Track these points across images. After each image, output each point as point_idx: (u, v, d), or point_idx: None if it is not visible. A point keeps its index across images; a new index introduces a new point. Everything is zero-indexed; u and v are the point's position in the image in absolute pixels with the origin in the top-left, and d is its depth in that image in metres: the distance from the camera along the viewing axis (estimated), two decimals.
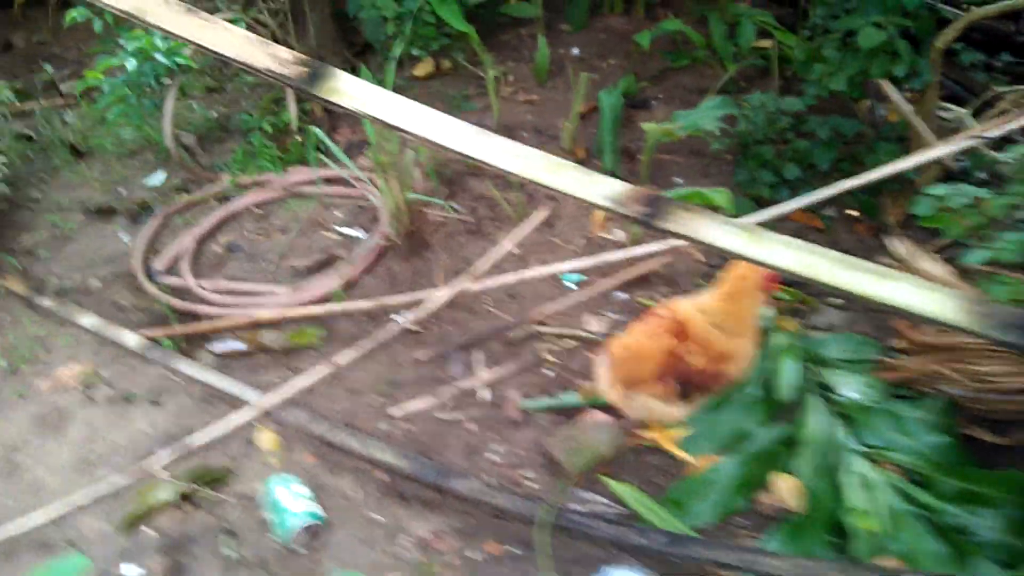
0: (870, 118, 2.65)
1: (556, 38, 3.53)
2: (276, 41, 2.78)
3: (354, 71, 3.00)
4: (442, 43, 3.19)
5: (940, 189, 1.61)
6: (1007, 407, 1.65)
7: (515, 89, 3.29)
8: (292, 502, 1.69)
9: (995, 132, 1.77)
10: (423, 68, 3.39)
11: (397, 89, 3.13)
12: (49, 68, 3.55)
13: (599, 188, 1.08)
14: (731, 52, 3.10)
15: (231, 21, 2.65)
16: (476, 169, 2.82)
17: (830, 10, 2.32)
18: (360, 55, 3.39)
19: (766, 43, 3.04)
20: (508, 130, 3.03)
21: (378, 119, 1.14)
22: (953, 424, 1.72)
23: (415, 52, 3.18)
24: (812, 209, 2.42)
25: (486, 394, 2.02)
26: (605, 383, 1.78)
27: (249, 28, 2.80)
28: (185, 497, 1.77)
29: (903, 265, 1.70)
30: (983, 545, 1.54)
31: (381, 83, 3.12)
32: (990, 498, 1.55)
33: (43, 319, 2.34)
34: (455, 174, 2.77)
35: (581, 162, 2.78)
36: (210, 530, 1.72)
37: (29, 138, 3.15)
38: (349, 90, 1.09)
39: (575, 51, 3.45)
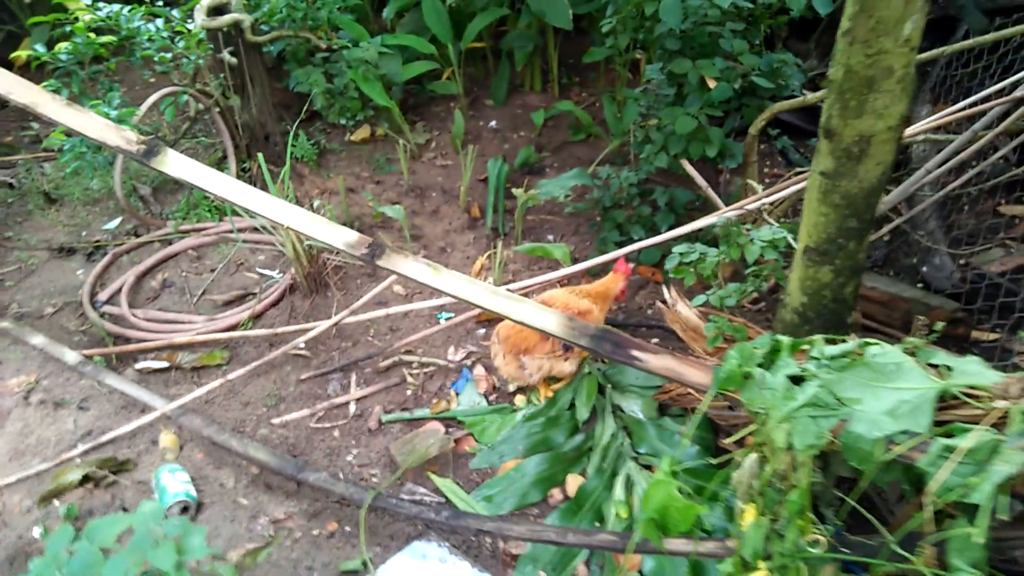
0: (725, 186, 3.12)
1: (479, 111, 4.04)
2: (220, 110, 3.30)
3: (288, 135, 3.50)
4: (367, 114, 3.70)
5: (682, 247, 2.04)
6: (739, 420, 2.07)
7: (435, 155, 3.79)
8: (173, 485, 2.10)
9: (752, 203, 2.22)
10: (359, 134, 3.89)
11: (330, 152, 3.65)
12: (35, 125, 4.08)
13: (340, 235, 1.53)
14: (620, 129, 3.60)
15: (178, 93, 3.16)
16: (384, 221, 3.29)
17: (655, 100, 2.81)
18: (306, 121, 3.89)
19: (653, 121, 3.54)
20: (420, 190, 3.52)
21: (193, 184, 1.60)
22: (707, 435, 2.13)
23: (344, 121, 3.68)
24: (656, 264, 2.88)
25: (353, 408, 2.45)
26: (500, 360, 2.33)
27: (194, 98, 3.30)
28: (91, 480, 2.18)
29: (669, 308, 2.13)
30: (714, 531, 1.94)
31: (316, 146, 3.63)
32: (716, 493, 1.96)
33: (1, 338, 2.79)
34: (364, 226, 3.24)
35: (473, 219, 3.27)
36: (107, 505, 2.13)
37: (10, 186, 3.65)
38: (174, 163, 1.55)
39: (493, 123, 3.96)
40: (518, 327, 2.14)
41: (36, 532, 2.06)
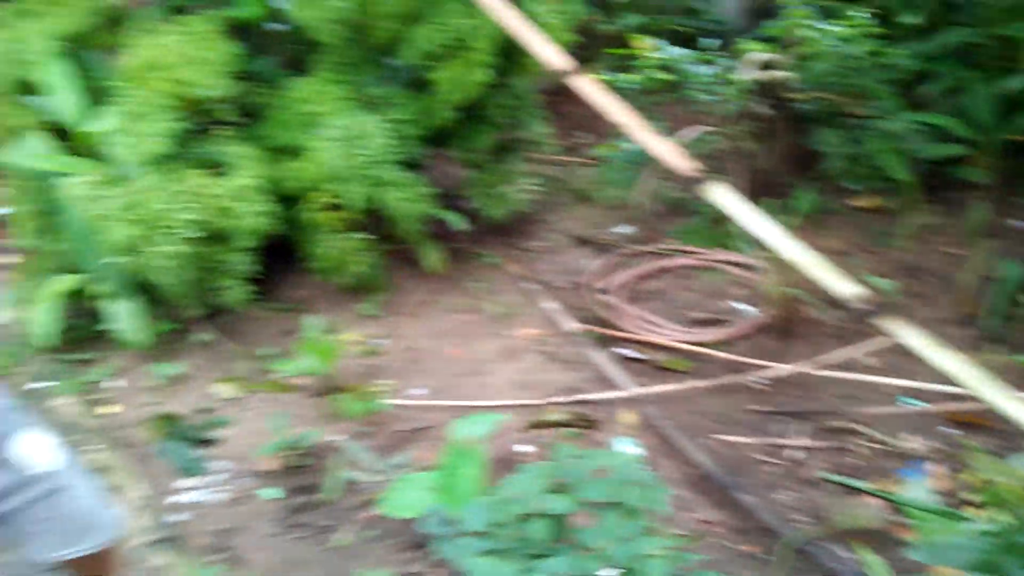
0: None
1: (1004, 207, 3.73)
2: (743, 153, 3.62)
3: (794, 188, 3.69)
4: (877, 184, 3.68)
5: None
6: None
7: (942, 240, 3.61)
8: (627, 449, 2.46)
9: None
10: (865, 201, 3.89)
11: (830, 212, 3.73)
12: (585, 136, 4.92)
13: (844, 284, 1.63)
14: None
15: (709, 133, 3.56)
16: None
17: None
18: (814, 179, 4.02)
19: None
20: (915, 271, 3.42)
21: (729, 213, 1.85)
22: None
23: (852, 185, 3.73)
24: None
25: (794, 454, 2.54)
26: None
27: (723, 140, 3.68)
28: (566, 424, 2.66)
29: None
30: None
31: (819, 204, 3.75)
32: None
33: (524, 296, 3.49)
34: None
35: (968, 315, 3.07)
36: (566, 443, 2.56)
37: (554, 180, 4.49)
38: (718, 193, 1.81)
39: (1019, 224, 3.62)
40: None
41: (519, 448, 2.60)
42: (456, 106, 3.28)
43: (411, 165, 3.35)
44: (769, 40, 3.82)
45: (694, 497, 2.40)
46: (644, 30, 5.17)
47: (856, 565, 2.12)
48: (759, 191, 3.73)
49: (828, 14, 3.69)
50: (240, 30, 3.44)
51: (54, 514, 1.60)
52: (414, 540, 2.30)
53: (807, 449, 2.55)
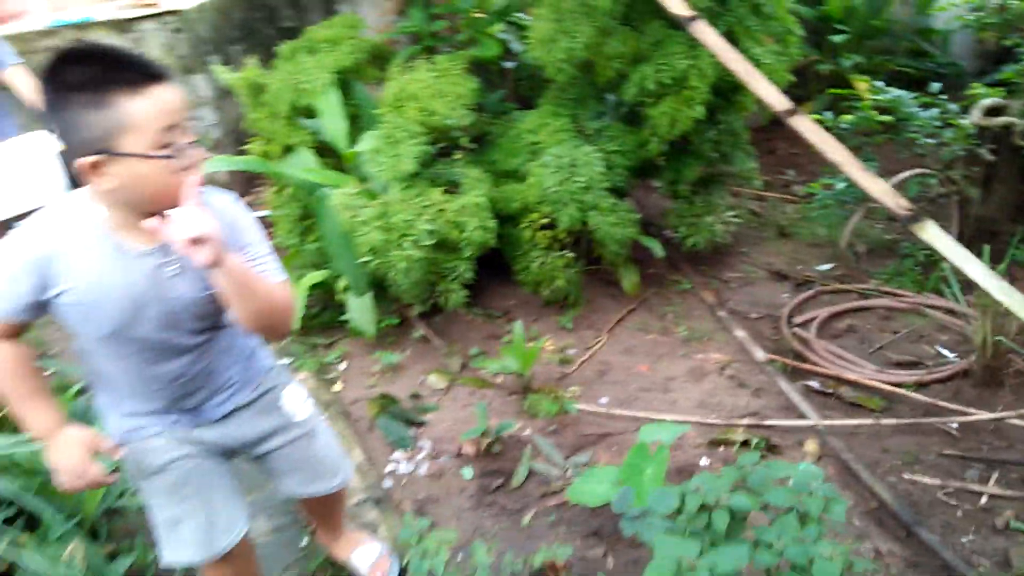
0: None
1: None
2: (960, 198, 3.56)
3: (1015, 237, 3.54)
4: None
5: None
6: None
7: None
8: None
9: None
10: None
11: None
12: (791, 172, 4.96)
13: None
14: None
15: (927, 175, 3.52)
16: None
17: None
18: None
19: None
20: None
21: (942, 254, 1.93)
22: None
23: None
24: None
25: (984, 500, 2.50)
26: None
27: (940, 183, 3.61)
28: (747, 445, 2.78)
29: None
30: None
31: None
32: None
33: (715, 323, 3.64)
34: None
35: None
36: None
37: (755, 214, 4.58)
38: (932, 232, 1.90)
39: None
40: None
41: (700, 461, 2.77)
42: (668, 140, 3.52)
43: (620, 192, 3.63)
44: (1002, 85, 3.72)
45: (872, 529, 2.44)
46: (865, 71, 5.16)
47: None
48: (976, 237, 3.64)
49: None
50: (479, 67, 3.91)
51: (305, 455, 1.91)
52: (594, 528, 2.54)
53: (998, 497, 2.49)
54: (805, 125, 2.22)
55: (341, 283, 3.59)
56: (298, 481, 1.92)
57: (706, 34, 2.46)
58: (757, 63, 3.42)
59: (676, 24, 2.96)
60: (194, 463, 1.71)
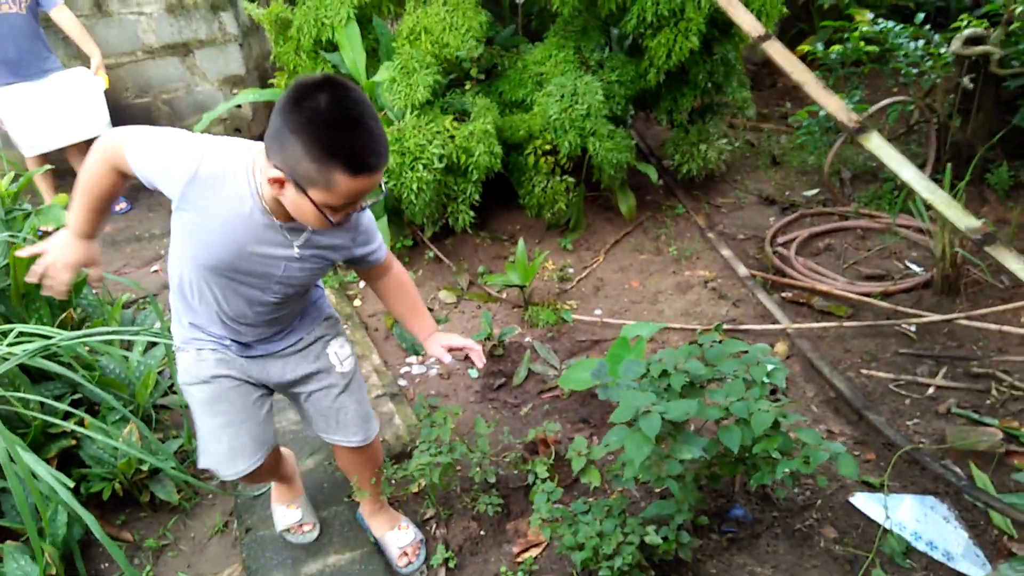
0: None
1: None
2: (938, 126, 3.78)
3: (992, 163, 3.76)
4: None
5: None
6: None
7: None
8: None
9: None
10: None
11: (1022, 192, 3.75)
12: (788, 104, 5.16)
13: (963, 219, 1.94)
14: None
15: (907, 103, 3.74)
16: None
17: None
18: (1016, 156, 4.04)
19: None
20: None
21: (884, 162, 2.19)
22: None
23: None
24: None
25: (931, 391, 2.80)
26: None
27: (920, 110, 3.82)
28: None
29: None
30: None
31: (1014, 179, 3.80)
32: None
33: (704, 244, 3.92)
34: None
35: None
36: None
37: (752, 144, 4.81)
38: (876, 143, 2.17)
39: None
40: None
41: None
42: (665, 70, 3.75)
43: (619, 121, 3.89)
44: (987, 16, 3.89)
45: (828, 415, 2.77)
46: (866, 4, 5.30)
47: (963, 479, 2.41)
48: (953, 161, 3.87)
49: None
50: (492, 3, 4.13)
51: (334, 405, 2.01)
52: (583, 415, 2.89)
53: (944, 388, 2.80)
54: (775, 49, 2.47)
55: None
56: (322, 427, 2.05)
57: None
58: None
59: None
60: (234, 385, 1.87)
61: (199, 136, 1.57)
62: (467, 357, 3.25)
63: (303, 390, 1.99)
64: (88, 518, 2.09)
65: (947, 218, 2.02)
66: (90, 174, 1.65)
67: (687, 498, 2.09)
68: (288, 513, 2.41)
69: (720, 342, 2.23)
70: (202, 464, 1.94)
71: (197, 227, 1.58)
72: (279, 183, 1.44)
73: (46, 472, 2.05)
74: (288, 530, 2.40)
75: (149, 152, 1.56)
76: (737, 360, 2.14)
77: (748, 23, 2.51)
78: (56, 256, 1.74)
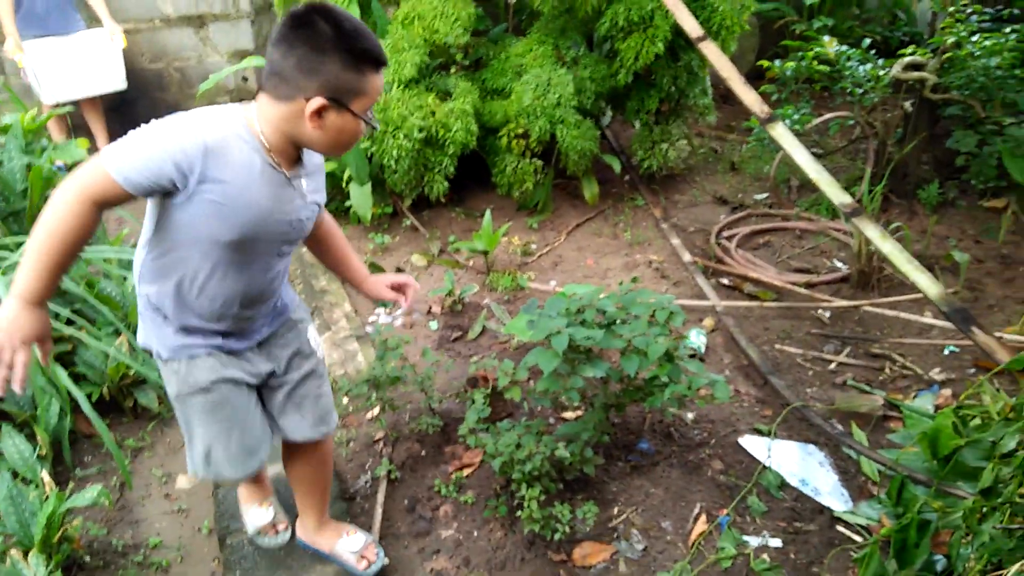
0: None
1: None
2: (877, 143, 4.16)
3: (917, 185, 4.13)
4: (1001, 184, 4.03)
5: None
6: None
7: None
8: (695, 338, 3.22)
9: None
10: (994, 203, 4.23)
11: (950, 206, 4.11)
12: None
13: (838, 195, 2.29)
14: None
15: (847, 119, 4.12)
16: (953, 266, 3.72)
17: None
18: (949, 177, 4.39)
19: None
20: (1010, 261, 3.78)
21: (784, 148, 2.55)
22: None
23: (975, 184, 4.10)
24: None
25: (832, 367, 3.16)
26: None
27: (860, 126, 4.20)
28: None
29: None
30: None
31: (943, 196, 4.16)
32: None
33: (657, 233, 4.28)
34: (933, 265, 3.74)
35: None
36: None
37: (715, 151, 5.19)
38: (780, 131, 2.52)
39: None
40: None
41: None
42: (633, 71, 4.13)
43: (588, 114, 4.25)
44: (933, 49, 4.27)
45: (738, 378, 3.12)
46: (836, 33, 5.71)
47: (842, 434, 2.76)
48: (886, 177, 4.25)
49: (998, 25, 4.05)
50: (487, 1, 4.52)
51: (315, 393, 1.99)
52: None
53: (845, 364, 3.16)
54: (709, 49, 2.84)
55: (346, 174, 4.25)
56: (295, 422, 1.97)
57: None
58: (713, 10, 4.04)
59: None
60: (233, 385, 1.80)
61: (179, 115, 1.50)
62: (429, 311, 3.65)
63: (286, 379, 1.94)
64: (81, 397, 2.43)
65: (826, 193, 2.38)
66: (58, 221, 1.42)
67: (592, 418, 2.43)
68: (260, 512, 2.30)
69: (633, 289, 2.59)
70: (202, 474, 1.87)
71: (219, 202, 1.51)
72: (319, 113, 1.48)
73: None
74: (260, 532, 2.29)
75: (141, 153, 1.43)
76: (645, 305, 2.49)
77: (689, 25, 2.88)
78: (8, 335, 1.45)
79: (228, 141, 1.49)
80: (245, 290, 1.70)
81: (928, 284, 2.20)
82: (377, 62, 1.51)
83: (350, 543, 2.22)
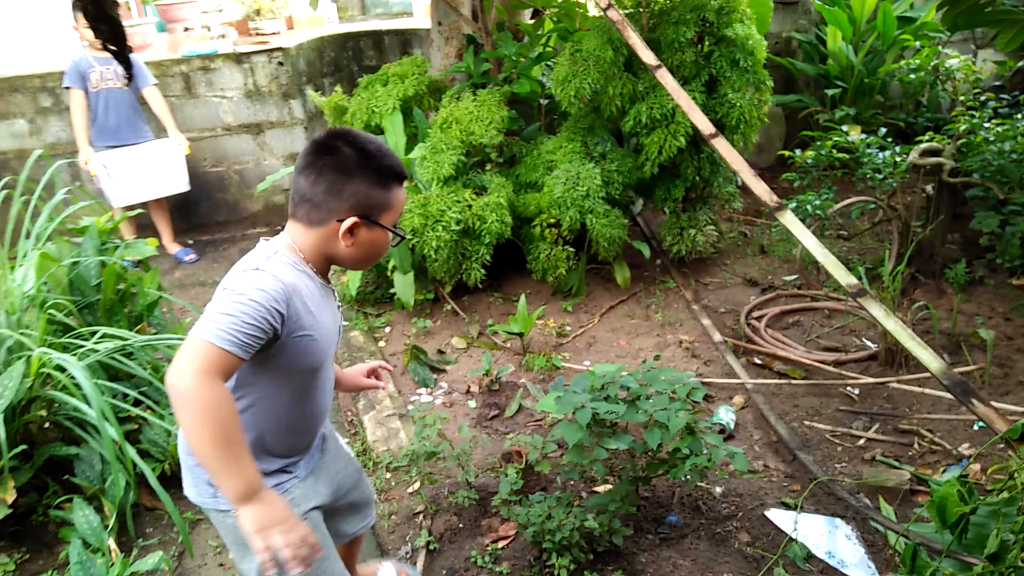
0: None
1: None
2: (901, 225, 4.30)
3: (944, 264, 4.24)
4: None
5: None
6: None
7: None
8: (724, 415, 3.32)
9: None
10: (1020, 279, 4.30)
11: (980, 285, 4.18)
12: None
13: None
14: None
15: (868, 203, 4.28)
16: (981, 343, 3.77)
17: None
18: (980, 258, 4.47)
19: None
20: None
21: (793, 234, 2.72)
22: None
23: (1001, 263, 4.18)
24: None
25: (861, 442, 3.21)
26: None
27: (882, 209, 4.34)
28: None
29: None
30: None
31: (971, 275, 4.24)
32: None
33: (688, 314, 4.42)
34: (964, 342, 3.80)
35: None
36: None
37: (745, 235, 5.36)
38: (788, 218, 2.70)
39: None
40: None
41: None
42: (658, 163, 4.38)
43: (617, 203, 4.49)
44: (949, 135, 4.45)
45: (768, 454, 3.19)
46: (860, 121, 5.94)
47: (869, 507, 2.80)
48: (912, 258, 4.35)
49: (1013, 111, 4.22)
50: (521, 103, 4.87)
51: (365, 491, 2.10)
52: (557, 440, 3.36)
53: (874, 440, 3.21)
54: (721, 144, 3.06)
55: (390, 264, 4.53)
56: (361, 518, 2.12)
57: (665, 78, 3.32)
58: (732, 105, 4.29)
59: None
60: (319, 514, 1.82)
61: (244, 273, 1.51)
62: (468, 391, 3.82)
63: (348, 493, 2.01)
64: (148, 472, 2.64)
65: (833, 276, 2.53)
66: (207, 412, 1.35)
67: (620, 490, 2.55)
68: None
69: (655, 367, 2.74)
70: None
71: (310, 335, 1.56)
72: (351, 230, 1.58)
73: (117, 434, 2.60)
74: None
75: (237, 317, 1.40)
76: (667, 381, 2.63)
77: (702, 124, 3.11)
78: (284, 527, 1.42)
79: (296, 276, 1.55)
80: (322, 409, 1.78)
81: (929, 359, 2.30)
82: (400, 176, 1.64)
83: (384, 572, 2.37)
